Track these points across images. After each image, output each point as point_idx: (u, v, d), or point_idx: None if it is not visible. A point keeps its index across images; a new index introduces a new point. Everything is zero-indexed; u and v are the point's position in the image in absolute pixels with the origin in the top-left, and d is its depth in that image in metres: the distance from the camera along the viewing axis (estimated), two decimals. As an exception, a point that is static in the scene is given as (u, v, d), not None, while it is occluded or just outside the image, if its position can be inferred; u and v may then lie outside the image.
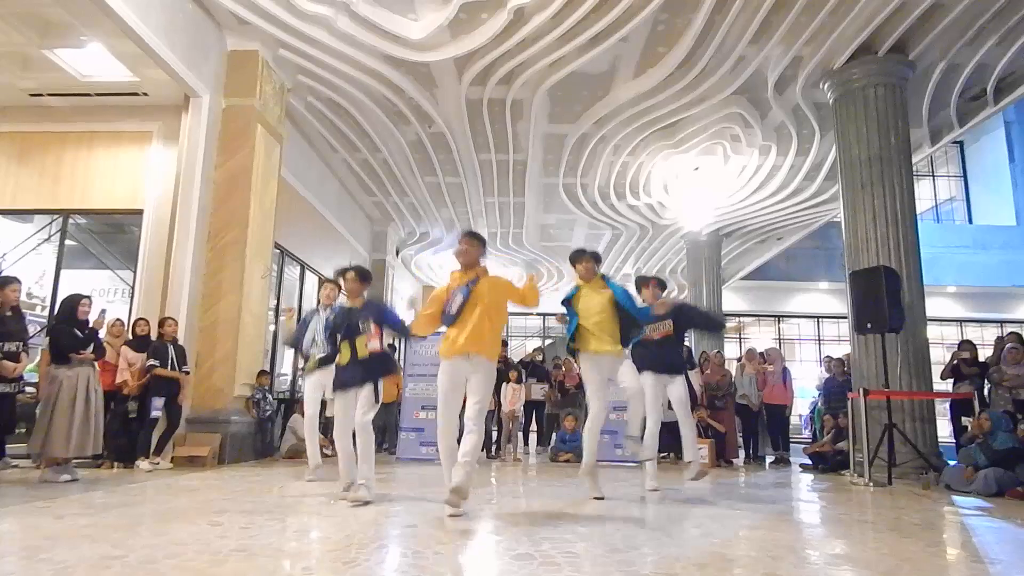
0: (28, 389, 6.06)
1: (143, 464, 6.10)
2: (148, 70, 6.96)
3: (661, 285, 5.62)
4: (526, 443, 10.82)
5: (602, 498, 4.66)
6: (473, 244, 4.31)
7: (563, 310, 4.95)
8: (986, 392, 7.03)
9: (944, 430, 7.66)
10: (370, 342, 4.44)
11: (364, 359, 4.42)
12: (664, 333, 5.38)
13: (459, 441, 3.99)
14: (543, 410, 9.89)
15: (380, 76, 8.16)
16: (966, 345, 7.56)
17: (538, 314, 20.75)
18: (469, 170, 11.16)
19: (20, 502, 4.12)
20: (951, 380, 7.48)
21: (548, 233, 14.96)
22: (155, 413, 6.28)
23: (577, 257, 5.04)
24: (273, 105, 7.92)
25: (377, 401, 4.39)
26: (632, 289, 5.48)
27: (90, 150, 7.97)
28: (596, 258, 5.04)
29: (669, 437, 9.13)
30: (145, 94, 7.65)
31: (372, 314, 4.54)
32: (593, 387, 4.68)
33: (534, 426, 10.45)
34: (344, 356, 4.46)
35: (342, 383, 4.46)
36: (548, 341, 20.35)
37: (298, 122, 9.64)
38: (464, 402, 4.13)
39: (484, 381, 4.05)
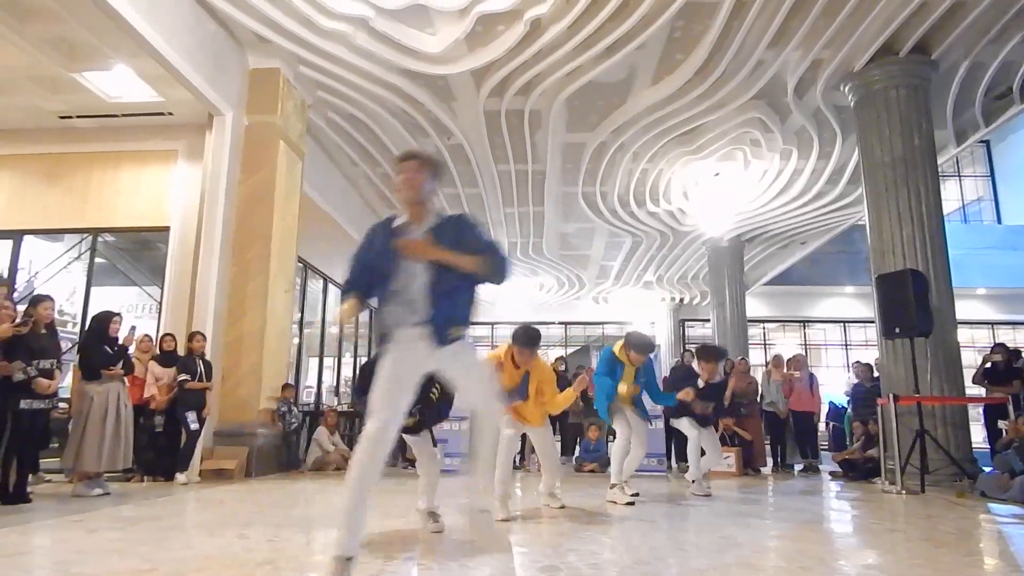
0: (61, 405, 6.19)
1: (180, 477, 6.19)
2: (172, 90, 7.11)
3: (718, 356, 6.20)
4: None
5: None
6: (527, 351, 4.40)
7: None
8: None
9: (978, 435, 7.48)
10: None
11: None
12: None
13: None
14: (567, 420, 9.84)
15: (399, 90, 8.24)
16: (999, 348, 7.40)
17: (560, 323, 20.73)
18: (488, 181, 11.20)
19: (53, 516, 4.19)
20: (984, 384, 7.32)
21: (568, 242, 14.95)
22: (193, 426, 6.38)
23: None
24: (295, 121, 8.03)
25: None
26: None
27: (117, 170, 8.16)
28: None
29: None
30: (170, 113, 7.82)
31: None
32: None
33: (558, 436, 10.40)
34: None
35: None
36: (571, 350, 20.29)
37: (319, 137, 9.77)
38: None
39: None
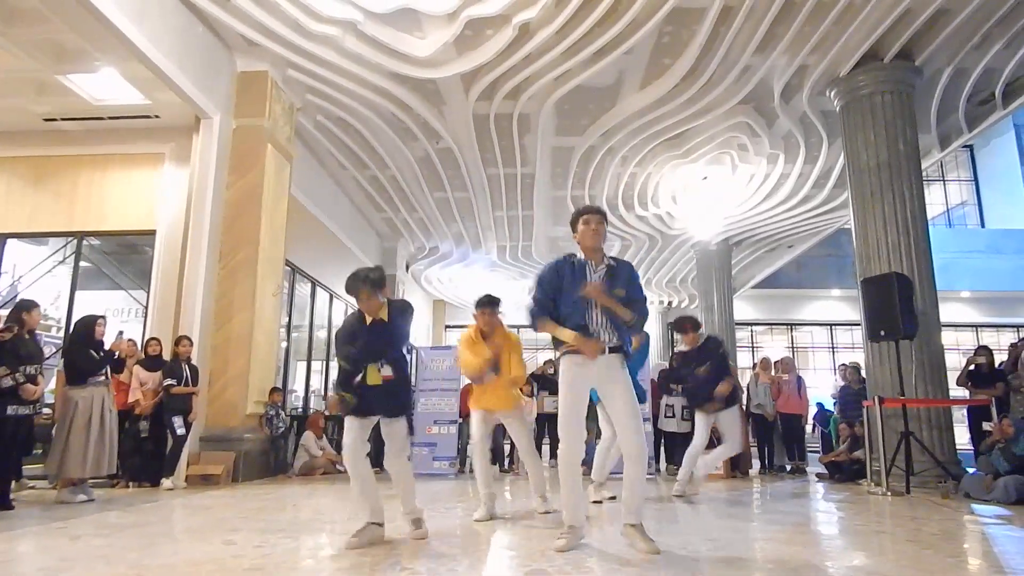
0: (44, 410, 6.13)
1: (166, 483, 6.14)
2: (160, 93, 7.07)
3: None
4: (539, 456, 10.76)
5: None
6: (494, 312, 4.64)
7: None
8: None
9: (962, 437, 7.56)
10: (383, 367, 3.63)
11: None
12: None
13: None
14: (556, 423, 9.84)
15: (388, 94, 8.24)
16: (982, 350, 7.48)
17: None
18: (477, 184, 11.21)
19: (37, 523, 4.15)
20: (967, 386, 7.40)
21: (557, 246, 14.96)
22: (180, 431, 6.33)
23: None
24: (283, 124, 8.00)
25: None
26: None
27: (104, 172, 8.09)
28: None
29: (676, 448, 9.10)
30: (157, 116, 7.76)
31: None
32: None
33: (546, 439, 10.40)
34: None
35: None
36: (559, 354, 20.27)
37: (307, 141, 9.74)
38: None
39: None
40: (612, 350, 3.39)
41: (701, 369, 5.83)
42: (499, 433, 9.00)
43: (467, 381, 9.25)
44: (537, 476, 4.72)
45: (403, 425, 3.65)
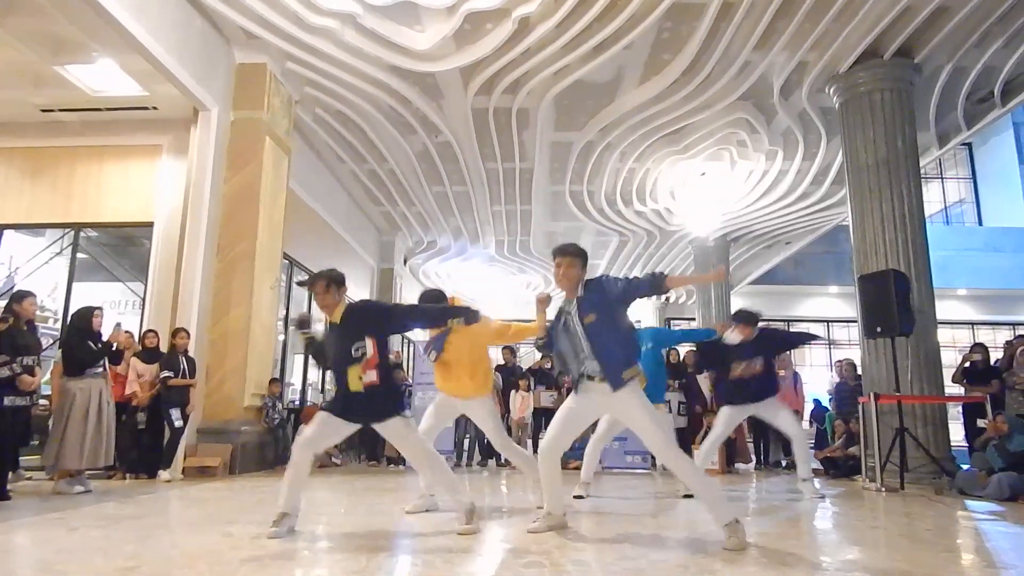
0: (41, 402, 6.13)
1: (164, 475, 6.15)
2: (158, 85, 7.05)
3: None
4: (535, 451, 10.79)
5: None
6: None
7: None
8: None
9: (957, 434, 7.59)
10: (366, 373, 3.48)
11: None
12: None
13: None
14: (552, 417, 9.87)
15: (387, 87, 8.22)
16: (978, 348, 7.50)
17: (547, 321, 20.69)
18: (476, 179, 11.20)
19: (34, 514, 4.16)
20: (963, 383, 7.43)
21: (555, 240, 14.93)
22: (178, 423, 6.34)
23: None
24: (281, 117, 7.99)
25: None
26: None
27: (101, 164, 8.07)
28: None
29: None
30: (155, 108, 7.74)
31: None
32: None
33: (543, 433, 10.44)
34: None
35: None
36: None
37: (306, 134, 9.72)
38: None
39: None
40: (615, 386, 3.35)
41: (755, 364, 5.35)
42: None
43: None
44: (527, 467, 4.52)
45: (397, 422, 3.58)
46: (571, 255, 3.52)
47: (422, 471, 3.88)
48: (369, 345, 3.48)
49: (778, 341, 5.97)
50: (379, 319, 3.62)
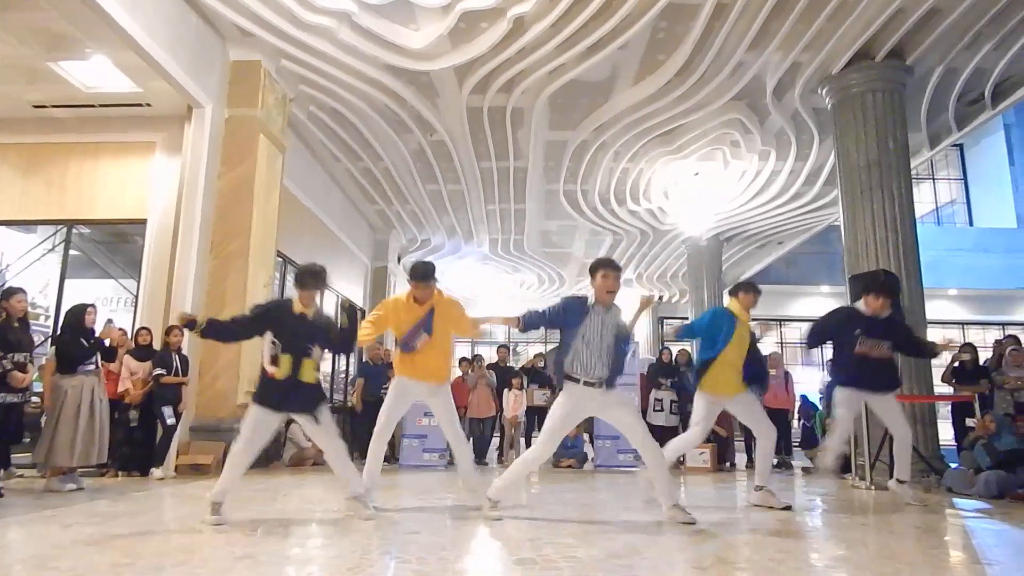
0: (34, 399, 6.11)
1: (157, 472, 6.15)
2: (152, 81, 7.02)
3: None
4: (528, 447, 10.82)
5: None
6: (431, 284, 4.29)
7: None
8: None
9: (946, 433, 7.66)
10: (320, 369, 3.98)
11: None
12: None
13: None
14: (545, 416, 9.91)
15: (382, 86, 8.23)
16: (967, 348, 7.57)
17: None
18: (470, 177, 11.21)
19: (26, 512, 4.15)
20: (952, 383, 7.49)
21: (549, 239, 15.01)
22: (170, 420, 6.34)
23: (748, 288, 4.86)
24: (276, 115, 7.98)
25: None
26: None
27: (95, 161, 8.04)
28: (759, 293, 4.88)
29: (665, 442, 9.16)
30: (149, 105, 7.71)
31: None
32: (707, 421, 4.87)
33: (536, 432, 10.47)
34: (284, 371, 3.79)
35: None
36: (550, 347, 20.36)
37: (300, 132, 9.71)
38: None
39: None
40: (608, 385, 3.92)
41: (883, 347, 4.81)
42: (490, 427, 9.05)
43: (457, 373, 9.35)
44: (466, 465, 4.46)
45: (326, 411, 3.90)
46: (618, 270, 4.08)
47: (332, 459, 4.00)
48: (316, 351, 3.90)
49: (910, 338, 5.16)
50: (330, 339, 4.01)
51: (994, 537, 3.91)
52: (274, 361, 3.76)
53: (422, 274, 4.24)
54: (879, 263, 7.14)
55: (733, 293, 4.96)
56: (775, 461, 8.97)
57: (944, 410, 8.51)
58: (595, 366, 3.88)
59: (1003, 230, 18.20)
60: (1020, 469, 5.69)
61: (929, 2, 6.67)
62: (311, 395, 3.84)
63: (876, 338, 4.80)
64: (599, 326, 3.95)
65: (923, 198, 18.68)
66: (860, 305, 4.95)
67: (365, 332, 4.26)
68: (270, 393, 3.78)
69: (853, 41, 7.27)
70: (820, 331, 5.10)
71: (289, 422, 8.67)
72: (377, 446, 4.37)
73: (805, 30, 7.15)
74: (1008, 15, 6.99)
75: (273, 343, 3.78)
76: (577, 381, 3.92)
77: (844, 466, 7.42)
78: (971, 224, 19.20)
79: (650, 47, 7.64)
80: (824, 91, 8.05)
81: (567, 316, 4.02)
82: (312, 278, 3.87)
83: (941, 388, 7.90)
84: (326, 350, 4.03)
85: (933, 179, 19.72)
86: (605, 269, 4.03)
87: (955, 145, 17.60)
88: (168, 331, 6.57)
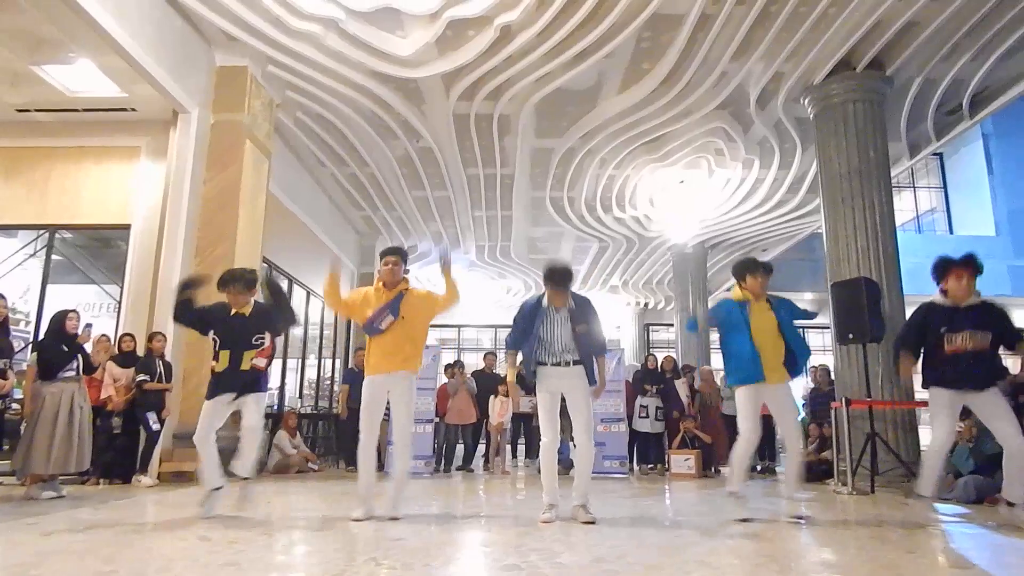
0: (14, 406, 6.03)
1: (144, 479, 6.08)
2: (136, 86, 6.98)
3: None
4: (514, 455, 10.84)
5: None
6: (399, 262, 4.45)
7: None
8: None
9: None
10: (258, 358, 4.35)
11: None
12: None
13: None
14: (531, 422, 9.91)
15: (368, 92, 8.24)
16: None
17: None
18: (457, 184, 11.23)
19: (5, 519, 4.10)
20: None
21: (535, 246, 15.05)
22: (155, 427, 6.28)
23: (751, 270, 4.47)
24: (262, 120, 7.96)
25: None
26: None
27: (78, 165, 7.96)
28: (768, 271, 4.51)
29: (650, 448, 9.19)
30: (133, 109, 7.66)
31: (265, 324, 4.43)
32: (752, 420, 4.56)
33: (522, 439, 10.48)
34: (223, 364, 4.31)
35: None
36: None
37: (287, 137, 9.68)
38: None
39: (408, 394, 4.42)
40: (575, 363, 4.30)
41: (976, 338, 4.15)
42: (454, 432, 8.98)
43: (444, 380, 9.35)
44: (401, 476, 4.35)
45: (262, 396, 4.39)
46: (568, 285, 4.36)
47: (246, 443, 4.36)
48: (268, 338, 4.37)
49: (1009, 328, 4.33)
50: (275, 322, 4.50)
51: (971, 540, 3.97)
52: (215, 356, 4.29)
53: (388, 250, 4.49)
54: (860, 270, 7.24)
55: (739, 278, 4.51)
56: (758, 467, 9.10)
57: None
58: (560, 352, 4.31)
59: (982, 238, 18.48)
60: (998, 473, 5.76)
61: (908, 14, 6.80)
62: (247, 379, 4.30)
63: (970, 328, 4.15)
64: (555, 323, 4.36)
65: (904, 206, 18.94)
66: (937, 297, 4.33)
67: (330, 299, 4.55)
68: (214, 385, 4.31)
69: (834, 52, 7.39)
70: (904, 339, 4.58)
71: (273, 429, 8.67)
72: (365, 457, 4.29)
73: (787, 40, 7.26)
74: (985, 27, 7.14)
75: (214, 340, 4.29)
76: (545, 364, 4.35)
77: (827, 472, 7.51)
78: (951, 232, 19.48)
79: (635, 56, 7.72)
80: (806, 101, 8.17)
81: (529, 317, 4.39)
82: (224, 283, 4.42)
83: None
84: (280, 333, 4.59)
85: (914, 187, 20.01)
86: (549, 286, 4.34)
87: (935, 154, 17.92)
88: (151, 337, 6.52)
